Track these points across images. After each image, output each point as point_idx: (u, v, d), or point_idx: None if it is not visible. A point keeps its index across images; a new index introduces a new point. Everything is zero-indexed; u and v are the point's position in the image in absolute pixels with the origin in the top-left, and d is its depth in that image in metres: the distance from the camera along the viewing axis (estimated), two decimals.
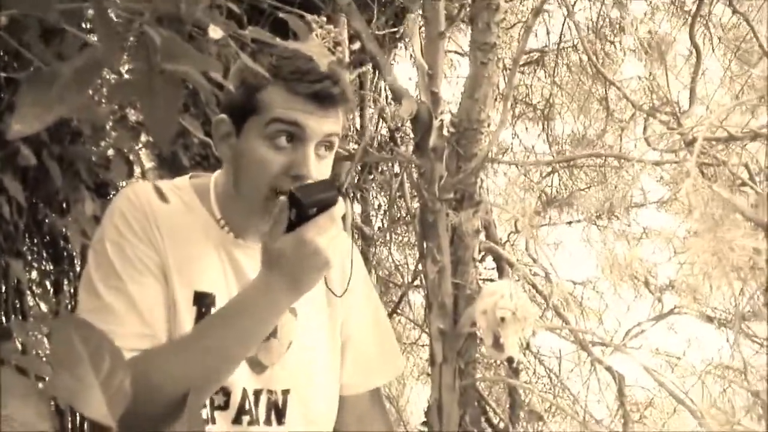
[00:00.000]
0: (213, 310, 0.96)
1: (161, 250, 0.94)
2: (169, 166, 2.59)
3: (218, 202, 1.01)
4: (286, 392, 1.01)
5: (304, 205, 0.89)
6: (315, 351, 1.05)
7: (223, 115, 0.99)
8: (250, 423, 0.99)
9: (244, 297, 0.92)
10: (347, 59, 2.98)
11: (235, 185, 0.98)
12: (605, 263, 3.90)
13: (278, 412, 1.00)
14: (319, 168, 0.97)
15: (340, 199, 0.91)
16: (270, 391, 1.00)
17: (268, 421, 1.00)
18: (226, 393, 0.97)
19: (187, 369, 0.87)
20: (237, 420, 0.98)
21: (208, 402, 0.96)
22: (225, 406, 0.98)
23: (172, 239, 0.95)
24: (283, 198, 0.90)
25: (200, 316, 0.96)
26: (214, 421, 0.96)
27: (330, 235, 0.89)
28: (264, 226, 0.95)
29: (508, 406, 3.31)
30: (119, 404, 0.57)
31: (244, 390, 0.98)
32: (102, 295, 0.89)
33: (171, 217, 0.96)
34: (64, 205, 2.30)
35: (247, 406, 0.98)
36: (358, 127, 3.56)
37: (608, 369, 3.29)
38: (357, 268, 1.10)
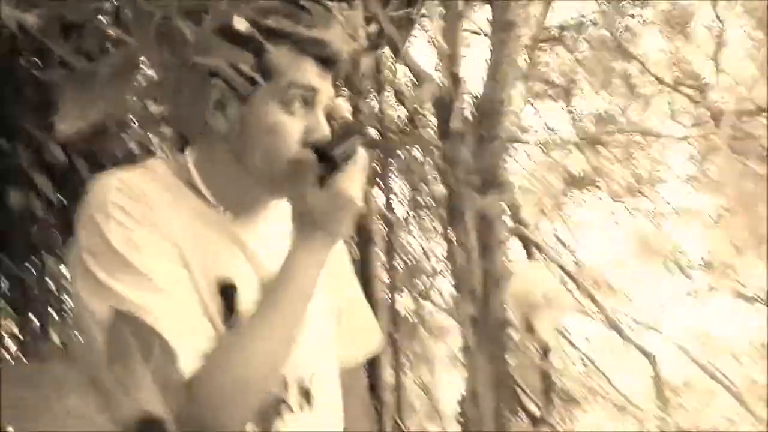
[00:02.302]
0: (237, 299, 0.88)
1: (172, 238, 0.84)
2: None
3: (207, 182, 0.90)
4: (312, 377, 0.94)
5: (335, 158, 0.83)
6: (323, 328, 0.98)
7: (215, 80, 0.87)
8: (288, 411, 0.92)
9: (288, 263, 0.83)
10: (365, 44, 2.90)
11: (242, 156, 0.88)
12: (634, 242, 3.82)
13: (307, 397, 0.94)
14: None
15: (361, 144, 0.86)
16: (300, 378, 0.93)
17: (300, 408, 0.93)
18: None
19: (257, 358, 0.80)
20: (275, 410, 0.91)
21: None
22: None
23: (177, 225, 0.85)
24: (310, 153, 0.85)
25: (227, 307, 0.88)
26: None
27: (360, 180, 0.85)
28: (273, 195, 0.89)
29: (542, 391, 3.23)
30: (172, 396, 0.58)
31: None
32: (129, 299, 0.77)
33: (166, 203, 0.86)
34: None
35: (281, 396, 0.91)
36: (377, 111, 3.48)
37: (641, 350, 3.21)
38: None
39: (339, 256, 0.97)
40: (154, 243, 0.82)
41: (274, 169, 0.84)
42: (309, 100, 0.86)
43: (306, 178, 0.83)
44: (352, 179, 0.82)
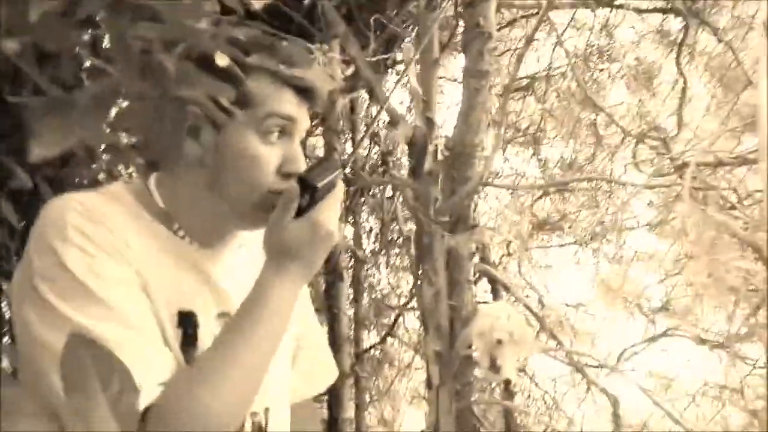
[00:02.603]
0: (198, 332, 0.84)
1: (134, 265, 0.80)
2: None
3: (172, 210, 0.88)
4: (266, 411, 0.96)
5: (319, 190, 0.84)
6: (280, 362, 0.94)
7: (190, 106, 0.81)
8: None
9: (260, 293, 0.82)
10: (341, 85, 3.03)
11: (215, 185, 0.87)
12: (598, 286, 3.94)
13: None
14: None
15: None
16: (254, 413, 0.95)
17: None
18: None
19: (225, 390, 0.78)
20: None
21: None
22: None
23: (140, 253, 0.81)
24: (293, 185, 0.84)
25: (186, 339, 0.83)
26: None
27: (337, 213, 0.85)
28: (247, 226, 0.88)
29: (504, 429, 3.29)
30: (129, 425, 0.56)
31: None
32: (88, 328, 0.73)
33: (128, 228, 0.82)
34: None
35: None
36: (351, 150, 3.60)
37: (603, 391, 3.29)
38: None
39: (304, 296, 0.98)
40: (115, 269, 0.78)
41: (250, 198, 0.84)
42: (287, 130, 0.88)
43: (286, 208, 0.83)
44: (331, 211, 0.84)
